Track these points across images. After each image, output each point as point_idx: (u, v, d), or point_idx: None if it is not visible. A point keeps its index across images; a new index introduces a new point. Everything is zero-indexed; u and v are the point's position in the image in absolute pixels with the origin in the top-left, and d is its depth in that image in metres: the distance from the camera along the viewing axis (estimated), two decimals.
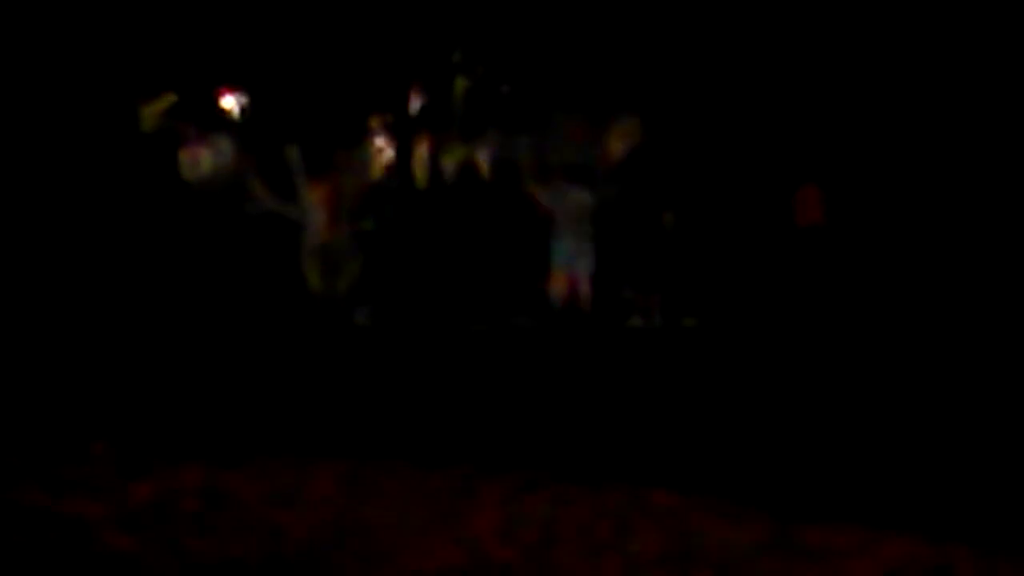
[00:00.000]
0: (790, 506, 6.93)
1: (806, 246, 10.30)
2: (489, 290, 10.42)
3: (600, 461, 7.64)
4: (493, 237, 10.54)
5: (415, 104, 10.97)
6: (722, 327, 10.18)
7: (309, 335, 9.92)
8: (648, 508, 6.91)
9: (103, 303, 9.91)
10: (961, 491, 7.11)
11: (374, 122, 10.88)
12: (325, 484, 7.15)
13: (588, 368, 9.37)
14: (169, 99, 10.64)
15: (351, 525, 6.60)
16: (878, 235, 10.18)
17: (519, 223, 10.51)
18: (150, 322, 9.80)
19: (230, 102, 10.88)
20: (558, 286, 10.45)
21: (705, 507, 6.94)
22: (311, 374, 9.19)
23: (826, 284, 10.11)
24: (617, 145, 10.60)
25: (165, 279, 10.21)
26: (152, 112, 10.60)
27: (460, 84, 10.88)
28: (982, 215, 10.17)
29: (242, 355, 9.50)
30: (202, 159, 10.59)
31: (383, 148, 10.85)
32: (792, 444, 7.89)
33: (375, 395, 8.81)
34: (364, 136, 10.84)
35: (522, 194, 10.56)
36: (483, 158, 10.66)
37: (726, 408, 8.49)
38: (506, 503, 6.95)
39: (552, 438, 8.04)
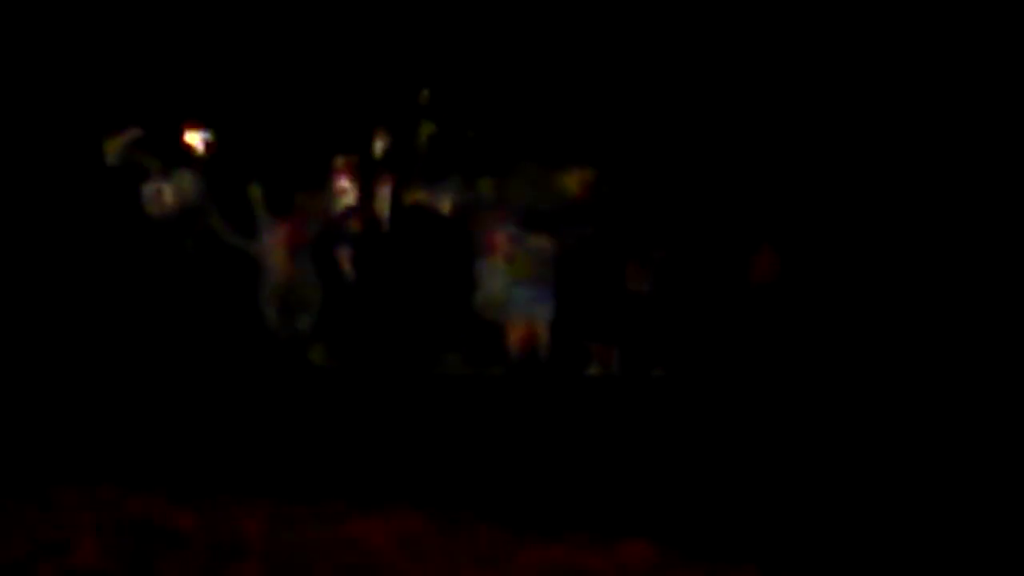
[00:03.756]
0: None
1: (761, 303, 10.27)
2: (443, 334, 10.38)
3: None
4: (449, 281, 10.51)
5: (379, 146, 10.97)
6: (682, 379, 10.15)
7: (264, 373, 9.90)
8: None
9: (56, 334, 9.89)
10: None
11: (338, 163, 10.89)
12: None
13: (541, 416, 9.35)
14: (134, 133, 10.65)
15: None
16: (834, 294, 10.14)
17: (477, 267, 10.49)
18: (102, 355, 9.78)
19: (194, 138, 10.88)
20: (516, 333, 10.42)
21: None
22: (261, 412, 9.20)
23: (780, 341, 10.07)
24: (579, 192, 10.58)
25: (123, 312, 10.21)
26: (116, 145, 10.61)
27: (425, 127, 10.88)
28: (943, 275, 10.13)
29: (194, 390, 9.50)
30: (165, 194, 10.59)
31: (346, 189, 10.86)
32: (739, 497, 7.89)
33: (318, 435, 8.80)
34: (327, 176, 10.85)
35: (481, 238, 10.54)
36: (444, 201, 10.65)
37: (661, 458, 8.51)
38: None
39: (487, 481, 8.06)
